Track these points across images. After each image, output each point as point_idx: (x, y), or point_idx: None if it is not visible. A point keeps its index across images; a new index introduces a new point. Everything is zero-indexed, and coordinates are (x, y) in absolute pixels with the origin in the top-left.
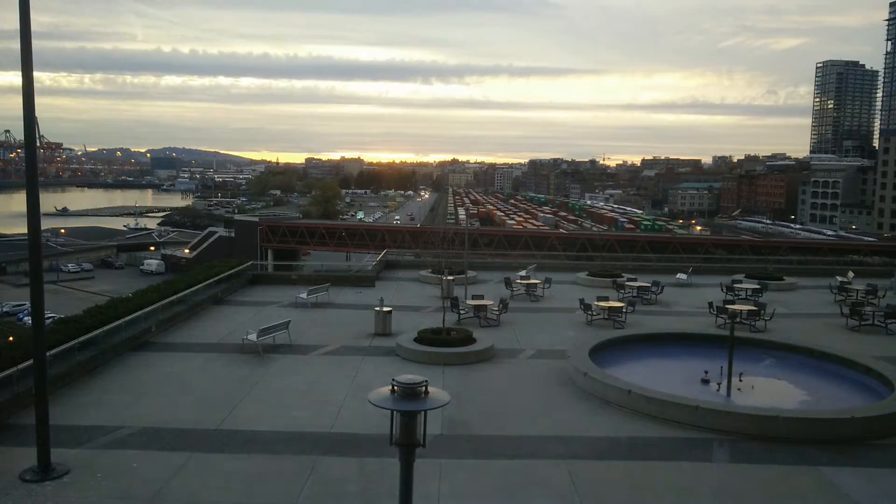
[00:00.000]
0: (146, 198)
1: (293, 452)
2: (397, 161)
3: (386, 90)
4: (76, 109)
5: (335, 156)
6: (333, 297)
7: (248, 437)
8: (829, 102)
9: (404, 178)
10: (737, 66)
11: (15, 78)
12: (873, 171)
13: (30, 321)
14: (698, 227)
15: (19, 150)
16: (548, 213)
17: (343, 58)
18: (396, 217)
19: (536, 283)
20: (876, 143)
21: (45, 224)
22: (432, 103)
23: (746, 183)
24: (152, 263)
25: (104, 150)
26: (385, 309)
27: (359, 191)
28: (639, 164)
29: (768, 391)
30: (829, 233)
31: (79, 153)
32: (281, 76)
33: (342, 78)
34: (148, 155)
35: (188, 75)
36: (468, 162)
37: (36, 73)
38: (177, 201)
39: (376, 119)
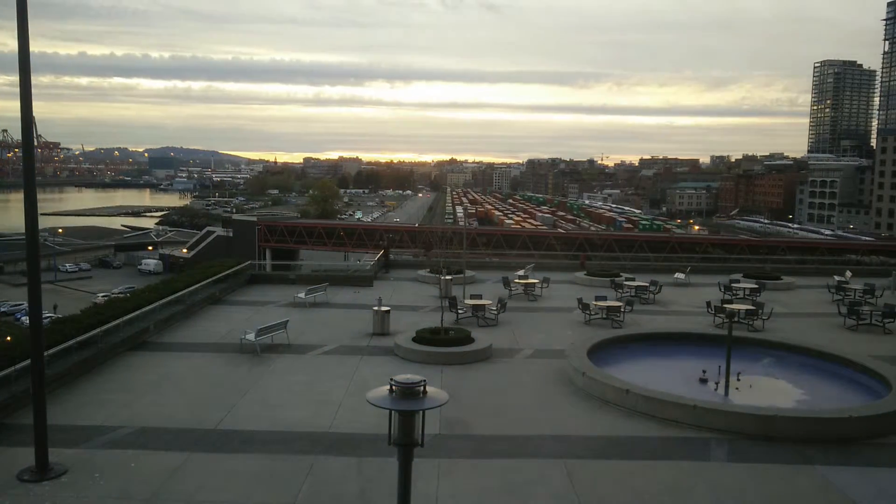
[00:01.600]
0: (144, 197)
1: (291, 452)
2: (395, 161)
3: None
4: (72, 109)
5: (333, 155)
6: (331, 297)
7: (246, 437)
8: (826, 102)
9: (402, 178)
10: (732, 67)
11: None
12: (871, 170)
13: (27, 321)
14: (696, 227)
15: (17, 150)
16: (546, 213)
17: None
18: (396, 219)
19: (535, 283)
20: (874, 143)
21: (43, 223)
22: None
23: (744, 183)
24: (150, 263)
25: (102, 149)
26: (383, 308)
27: (357, 190)
28: (637, 164)
29: (766, 390)
30: (827, 232)
31: (76, 153)
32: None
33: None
34: (146, 154)
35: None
36: (466, 161)
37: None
38: (175, 201)
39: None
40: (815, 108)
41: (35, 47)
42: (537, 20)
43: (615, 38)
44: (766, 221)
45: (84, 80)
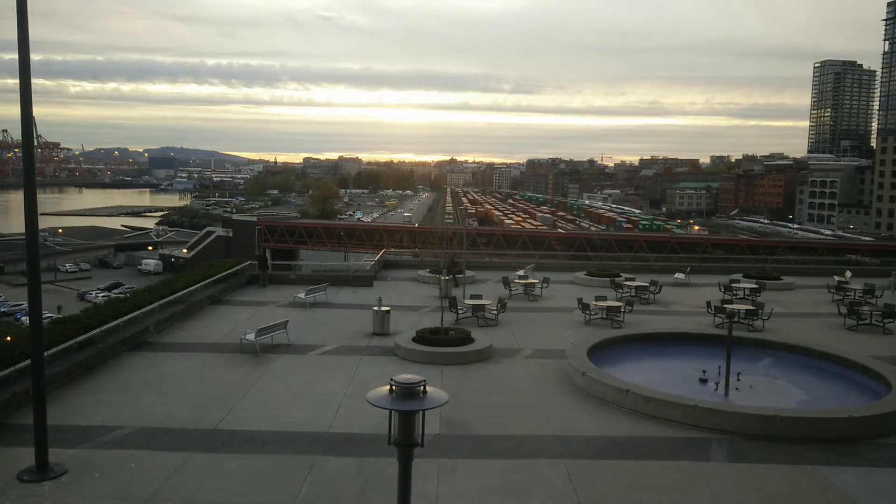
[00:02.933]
0: (144, 197)
1: (291, 452)
2: (395, 161)
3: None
4: (74, 109)
5: (333, 155)
6: (331, 297)
7: (247, 437)
8: (826, 102)
9: (402, 178)
10: (732, 68)
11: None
12: (871, 170)
13: (27, 321)
14: (696, 227)
15: (17, 150)
16: (546, 213)
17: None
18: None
19: (535, 283)
20: (874, 143)
21: (43, 223)
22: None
23: (744, 183)
24: (150, 263)
25: (102, 149)
26: (383, 309)
27: (357, 190)
28: (637, 164)
29: (766, 390)
30: (827, 232)
31: (76, 153)
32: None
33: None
34: (146, 154)
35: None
36: (466, 162)
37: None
38: (174, 201)
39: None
40: (815, 108)
41: None
42: (372, 28)
43: (446, 44)
44: (766, 221)
45: (11, 82)
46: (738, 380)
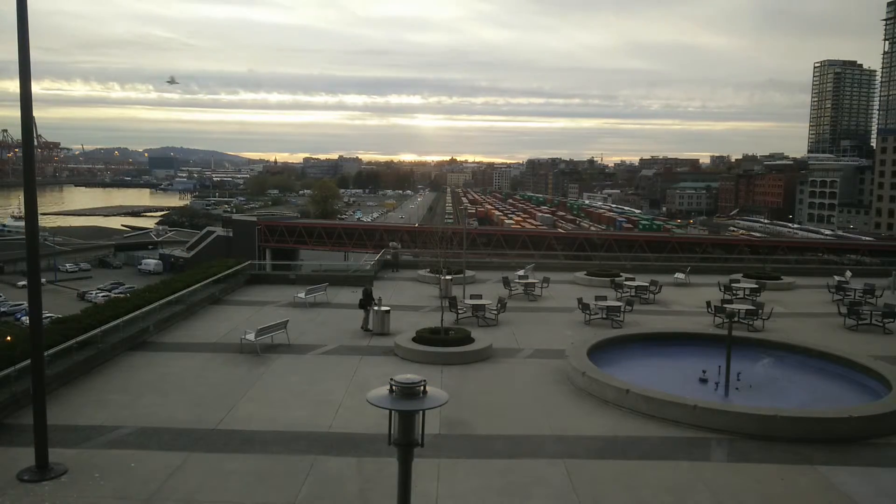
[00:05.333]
0: (144, 197)
1: (291, 452)
2: (395, 160)
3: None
4: (75, 109)
5: (333, 155)
6: (331, 297)
7: (247, 437)
8: (826, 102)
9: (402, 178)
10: (733, 69)
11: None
12: (871, 170)
13: (27, 321)
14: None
15: (17, 150)
16: (546, 213)
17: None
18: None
19: (535, 283)
20: (874, 143)
21: (43, 223)
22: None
23: (744, 182)
24: (150, 263)
25: (102, 149)
26: (383, 308)
27: (357, 190)
28: (637, 164)
29: (766, 390)
30: (827, 232)
31: (76, 153)
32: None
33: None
34: (146, 154)
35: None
36: (466, 161)
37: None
38: (175, 201)
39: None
40: (815, 108)
41: None
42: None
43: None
44: (766, 221)
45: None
46: (738, 380)
